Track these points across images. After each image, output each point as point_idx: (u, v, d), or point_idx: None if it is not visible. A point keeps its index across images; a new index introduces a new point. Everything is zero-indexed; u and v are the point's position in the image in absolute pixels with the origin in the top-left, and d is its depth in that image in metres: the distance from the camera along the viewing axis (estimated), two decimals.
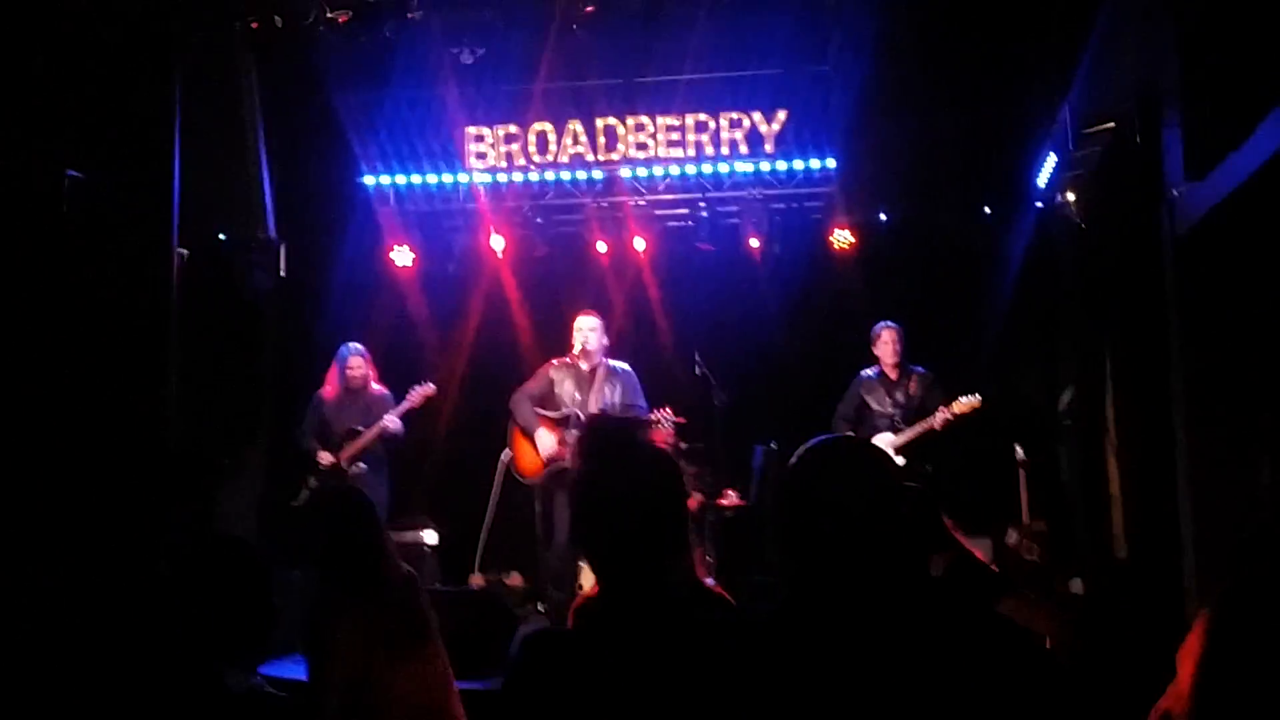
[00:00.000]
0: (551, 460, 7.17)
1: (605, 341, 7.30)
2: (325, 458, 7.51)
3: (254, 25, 7.67)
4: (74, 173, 6.44)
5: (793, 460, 2.12)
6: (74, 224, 6.37)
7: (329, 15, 7.73)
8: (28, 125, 6.22)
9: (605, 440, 2.34)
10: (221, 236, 8.01)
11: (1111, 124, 6.70)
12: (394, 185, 9.20)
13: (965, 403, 7.22)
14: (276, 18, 7.67)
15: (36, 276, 6.20)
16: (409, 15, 7.87)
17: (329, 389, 7.68)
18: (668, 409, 7.02)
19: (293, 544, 6.11)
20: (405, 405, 7.56)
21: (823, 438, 2.17)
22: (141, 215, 6.00)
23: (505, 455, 7.42)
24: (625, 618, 2.13)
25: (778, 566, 2.11)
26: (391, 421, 7.50)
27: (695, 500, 7.48)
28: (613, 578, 2.18)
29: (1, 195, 6.18)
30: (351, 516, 3.73)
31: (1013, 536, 7.47)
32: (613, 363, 7.32)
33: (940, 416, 7.25)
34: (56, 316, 6.27)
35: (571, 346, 7.30)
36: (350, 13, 7.75)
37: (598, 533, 2.20)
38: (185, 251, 7.03)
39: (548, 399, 7.29)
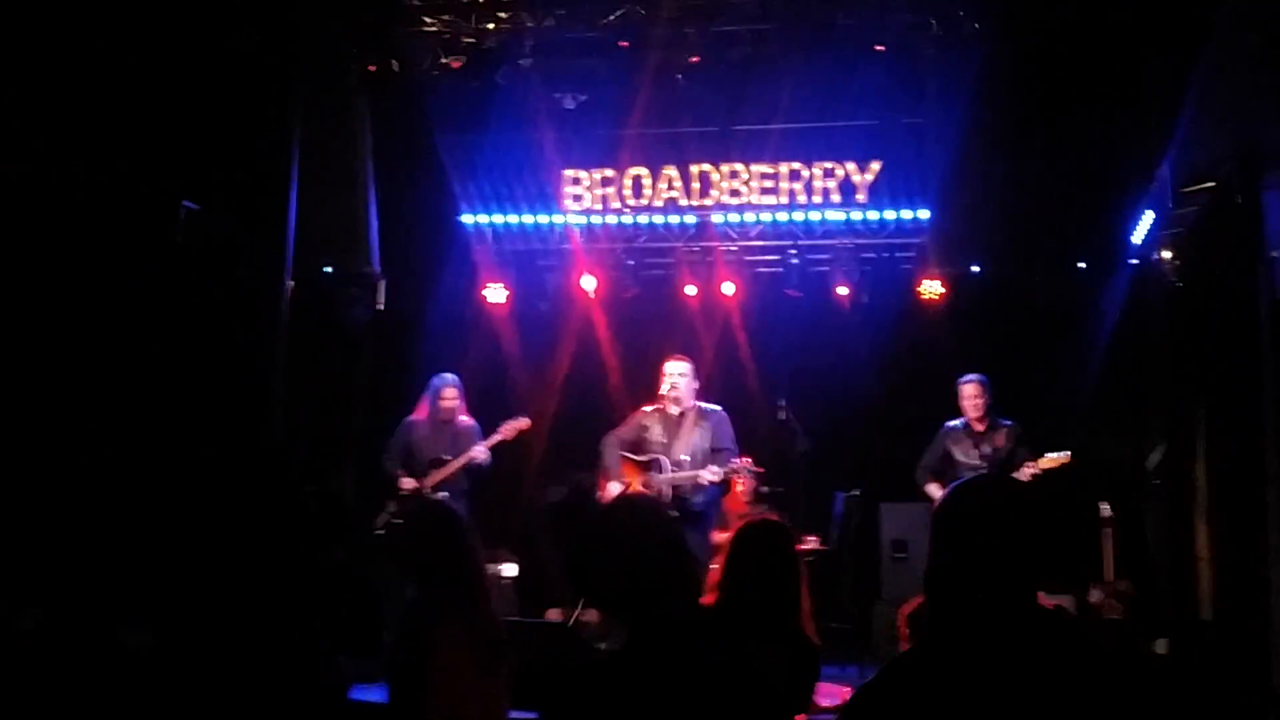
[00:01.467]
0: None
1: (695, 385, 7.30)
2: (408, 483, 7.60)
3: (371, 68, 7.95)
4: (190, 204, 6.74)
5: (946, 497, 2.20)
6: (188, 254, 6.67)
7: (444, 60, 7.99)
8: (147, 157, 6.53)
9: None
10: (327, 269, 8.26)
11: (1212, 183, 6.65)
12: (491, 224, 9.46)
13: (1054, 458, 7.15)
14: (394, 62, 7.95)
15: (149, 305, 6.49)
16: (521, 62, 8.10)
17: (419, 416, 7.80)
18: (748, 459, 7.04)
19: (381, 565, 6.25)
20: (497, 437, 7.65)
21: (980, 476, 2.26)
22: (256, 248, 6.25)
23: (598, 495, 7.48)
24: (654, 656, 2.26)
25: (925, 603, 2.20)
26: (480, 452, 7.58)
27: None
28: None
29: (117, 224, 6.49)
30: (445, 527, 3.80)
31: (1096, 594, 7.38)
32: (704, 405, 7.32)
33: (1027, 470, 7.18)
34: (168, 343, 6.55)
35: (660, 390, 7.36)
36: (465, 58, 8.01)
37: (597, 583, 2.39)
38: (291, 283, 7.29)
39: (639, 444, 7.32)
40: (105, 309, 6.45)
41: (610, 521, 2.45)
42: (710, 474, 6.93)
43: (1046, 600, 4.23)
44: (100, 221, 6.42)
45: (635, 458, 7.32)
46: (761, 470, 7.18)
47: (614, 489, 7.25)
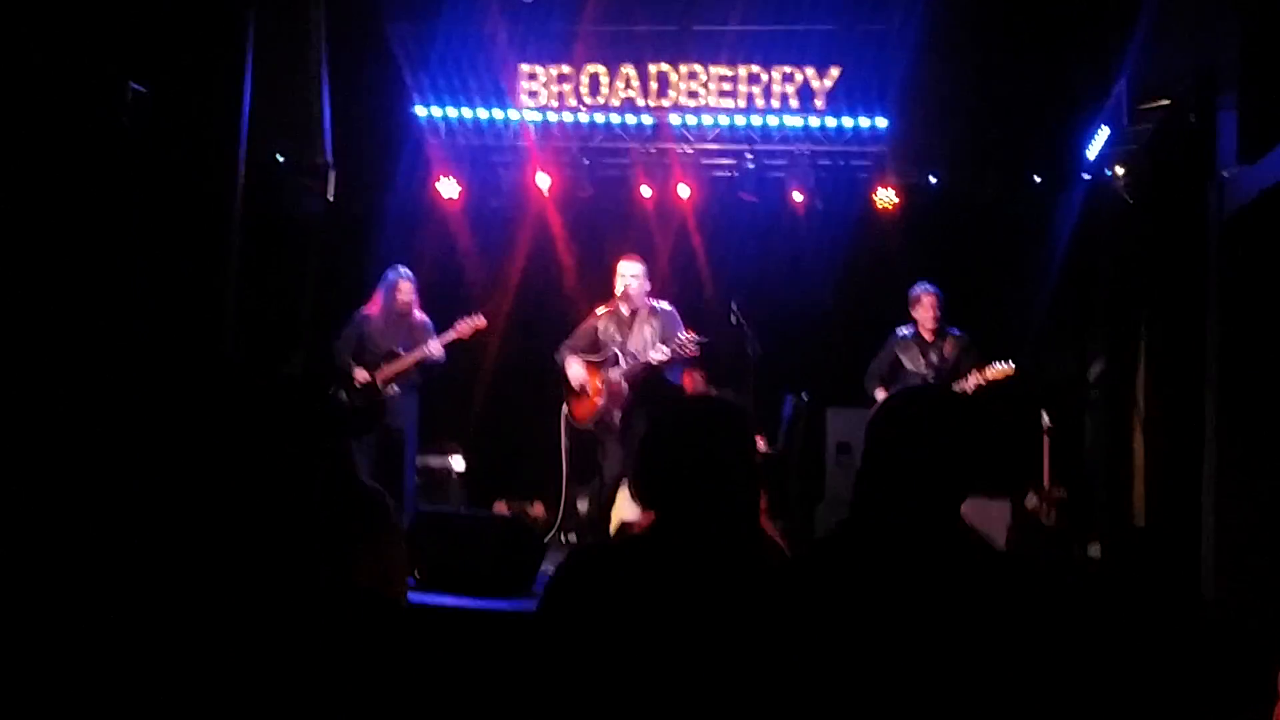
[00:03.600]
0: (581, 385, 7.25)
1: (647, 286, 7.33)
2: (361, 375, 7.57)
3: None
4: (137, 86, 6.54)
5: (883, 403, 2.31)
6: (134, 138, 6.49)
7: None
8: (91, 34, 6.30)
9: (661, 392, 2.52)
10: (279, 158, 8.10)
11: (1167, 101, 6.74)
12: (445, 118, 9.30)
13: (999, 369, 7.31)
14: None
15: (92, 190, 6.32)
16: None
17: (372, 310, 7.75)
18: (692, 333, 7.01)
19: None
20: (452, 334, 7.61)
21: (913, 387, 2.36)
22: (209, 134, 6.11)
23: (564, 410, 7.49)
24: (676, 550, 2.26)
25: (855, 493, 2.26)
26: (435, 348, 7.55)
27: None
28: (671, 519, 2.29)
29: (60, 105, 6.29)
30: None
31: (1032, 500, 7.63)
32: (655, 303, 7.36)
33: (972, 380, 7.34)
34: (112, 230, 6.40)
35: (615, 290, 7.39)
36: None
37: (661, 482, 2.31)
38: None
39: (594, 346, 7.36)
40: (47, 191, 6.29)
41: (695, 424, 2.35)
42: (658, 353, 6.98)
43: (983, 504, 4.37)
44: (40, 100, 6.22)
45: (592, 358, 7.36)
46: (705, 339, 7.11)
47: (575, 368, 7.23)
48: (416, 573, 5.82)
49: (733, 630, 2.16)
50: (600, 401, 7.27)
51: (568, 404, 7.41)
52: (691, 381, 7.38)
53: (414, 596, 5.25)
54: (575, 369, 7.24)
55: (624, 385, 7.14)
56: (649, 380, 5.98)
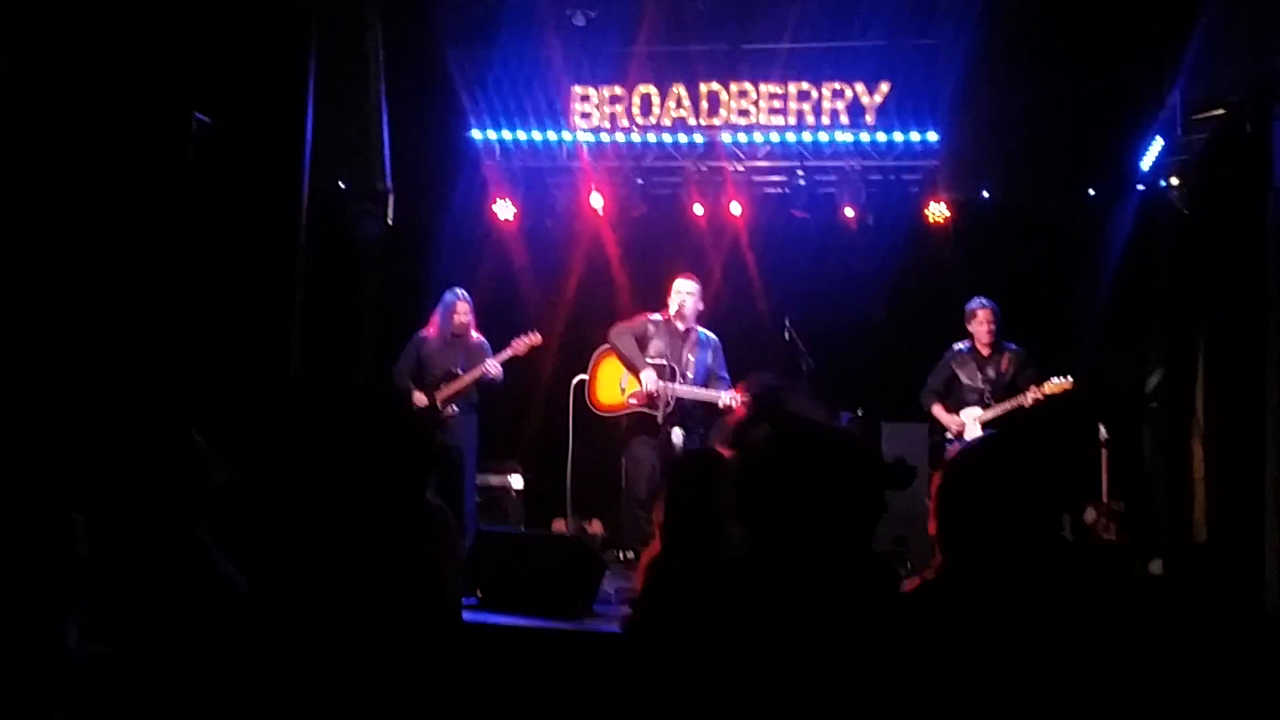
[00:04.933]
0: (650, 396, 7.38)
1: (700, 307, 7.50)
2: (420, 399, 7.70)
3: None
4: (201, 117, 6.75)
5: (969, 452, 2.34)
6: (200, 168, 6.69)
7: None
8: (158, 69, 6.51)
9: (783, 416, 2.55)
10: (341, 184, 8.28)
11: (1221, 111, 6.69)
12: (500, 140, 9.45)
13: (1057, 384, 7.27)
14: None
15: (159, 219, 6.52)
16: None
17: (430, 331, 7.90)
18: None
19: None
20: (509, 352, 7.75)
21: (992, 434, 2.39)
22: (273, 163, 6.28)
23: (578, 380, 7.64)
24: (773, 577, 2.26)
25: (940, 540, 2.28)
26: (493, 366, 7.68)
27: None
28: (770, 544, 2.29)
29: (129, 138, 6.50)
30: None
31: (1091, 515, 7.56)
32: (703, 331, 7.54)
33: (1030, 395, 7.31)
34: (183, 256, 6.60)
35: (668, 306, 7.51)
36: None
37: (768, 505, 2.30)
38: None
39: (642, 345, 7.52)
40: (118, 220, 6.49)
41: (812, 454, 2.32)
42: (729, 397, 7.14)
43: None
44: (110, 133, 6.43)
45: (647, 358, 7.50)
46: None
47: (650, 378, 7.38)
48: (477, 592, 5.90)
49: (836, 656, 2.17)
50: (636, 403, 7.39)
51: (590, 383, 7.53)
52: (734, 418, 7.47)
53: (474, 616, 5.32)
54: (649, 376, 7.35)
55: (671, 400, 7.28)
56: (771, 402, 6.14)
